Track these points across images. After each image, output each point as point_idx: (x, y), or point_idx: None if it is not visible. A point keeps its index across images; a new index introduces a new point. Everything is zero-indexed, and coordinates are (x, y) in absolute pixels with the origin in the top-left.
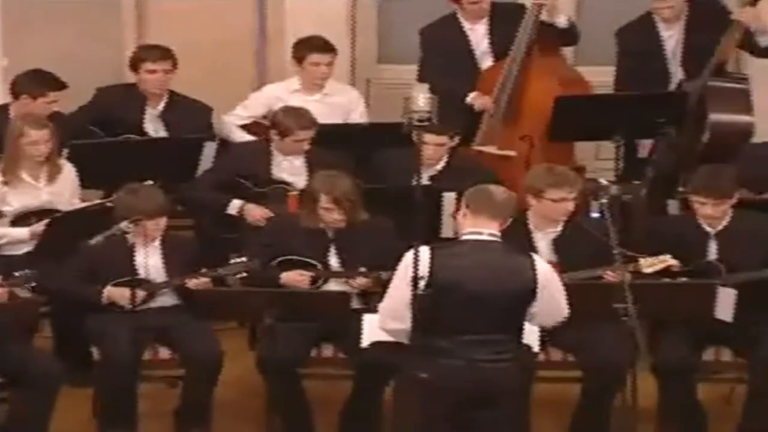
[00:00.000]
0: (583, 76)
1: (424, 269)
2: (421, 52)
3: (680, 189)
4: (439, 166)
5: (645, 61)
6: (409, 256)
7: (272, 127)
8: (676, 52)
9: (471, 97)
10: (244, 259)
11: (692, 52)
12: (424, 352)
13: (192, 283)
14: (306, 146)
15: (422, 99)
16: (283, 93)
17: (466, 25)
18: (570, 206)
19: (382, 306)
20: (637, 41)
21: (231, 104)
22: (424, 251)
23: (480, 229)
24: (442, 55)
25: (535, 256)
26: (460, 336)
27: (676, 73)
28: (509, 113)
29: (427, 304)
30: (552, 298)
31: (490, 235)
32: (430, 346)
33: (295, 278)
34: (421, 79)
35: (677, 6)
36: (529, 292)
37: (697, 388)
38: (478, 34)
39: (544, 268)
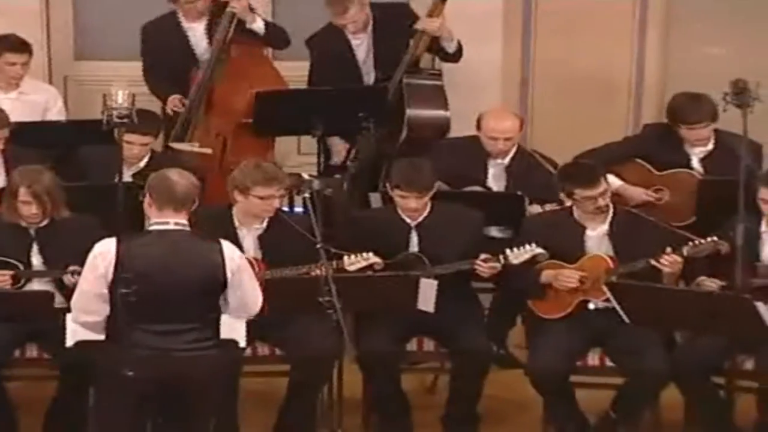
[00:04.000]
0: (280, 73)
1: (109, 262)
2: (142, 51)
3: (382, 183)
4: (142, 164)
5: (337, 68)
6: (96, 248)
7: None
8: (368, 58)
9: (169, 101)
10: None
11: (385, 57)
12: (121, 343)
13: None
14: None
15: (121, 95)
16: None
17: (185, 24)
18: (276, 203)
19: (73, 300)
20: (327, 49)
21: None
22: (111, 243)
23: (166, 219)
24: (163, 53)
25: (225, 243)
26: (153, 326)
27: (370, 79)
28: (208, 111)
29: (119, 296)
30: (243, 284)
31: (177, 224)
32: (126, 337)
33: None
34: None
35: (359, 20)
36: (218, 278)
37: (401, 378)
38: (198, 33)
39: (232, 254)
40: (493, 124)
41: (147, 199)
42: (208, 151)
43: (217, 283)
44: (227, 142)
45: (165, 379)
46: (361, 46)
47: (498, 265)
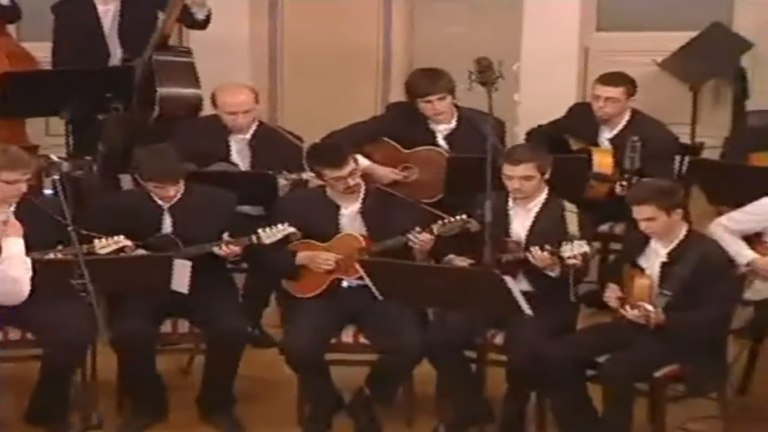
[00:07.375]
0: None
1: None
2: None
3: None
4: None
5: (82, 37)
6: None
7: None
8: (113, 28)
9: None
10: None
11: (129, 28)
12: None
13: None
14: None
15: None
16: None
17: None
18: (23, 188)
19: None
20: (73, 17)
21: None
22: None
23: None
24: None
25: None
26: None
27: (115, 50)
28: None
29: None
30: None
31: None
32: None
33: None
34: None
35: None
36: None
37: (156, 360)
38: None
39: None
40: (229, 99)
41: None
42: None
43: None
44: None
45: None
46: (108, 15)
47: (237, 249)
